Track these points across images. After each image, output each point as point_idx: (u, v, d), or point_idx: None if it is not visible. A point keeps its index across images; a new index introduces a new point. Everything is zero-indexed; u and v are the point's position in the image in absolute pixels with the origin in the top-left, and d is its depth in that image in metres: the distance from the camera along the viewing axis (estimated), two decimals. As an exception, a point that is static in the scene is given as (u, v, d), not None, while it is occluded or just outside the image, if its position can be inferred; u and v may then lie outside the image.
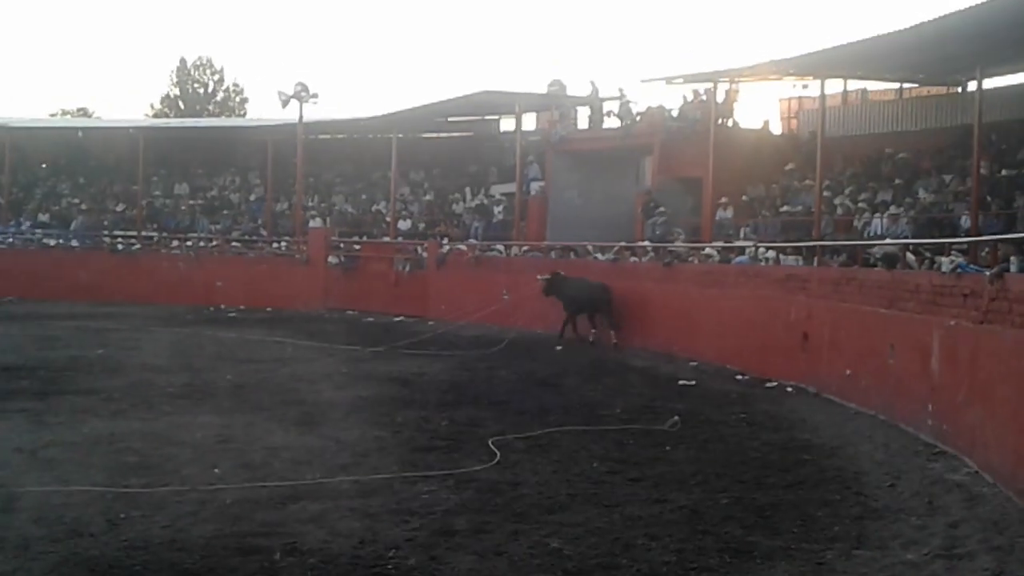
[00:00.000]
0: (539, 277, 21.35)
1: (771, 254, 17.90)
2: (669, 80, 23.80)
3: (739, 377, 15.76)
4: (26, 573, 6.28)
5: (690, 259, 19.83)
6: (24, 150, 34.75)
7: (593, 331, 20.43)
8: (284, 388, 13.98)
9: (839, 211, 19.78)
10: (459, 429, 11.21)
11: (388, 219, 30.50)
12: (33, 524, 7.28)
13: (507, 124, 32.19)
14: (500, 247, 26.03)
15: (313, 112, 30.12)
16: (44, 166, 36.58)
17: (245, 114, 54.05)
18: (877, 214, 18.61)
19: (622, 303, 20.01)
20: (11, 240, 31.64)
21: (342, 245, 28.87)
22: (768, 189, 22.44)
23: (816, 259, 16.51)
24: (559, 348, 19.37)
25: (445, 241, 27.36)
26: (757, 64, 21.14)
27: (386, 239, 29.61)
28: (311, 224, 30.66)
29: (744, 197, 22.51)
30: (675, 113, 24.94)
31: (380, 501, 8.09)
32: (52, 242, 31.34)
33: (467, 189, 31.14)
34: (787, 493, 8.67)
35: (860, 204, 19.42)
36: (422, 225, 30.51)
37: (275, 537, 7.09)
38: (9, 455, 9.43)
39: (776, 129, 26.70)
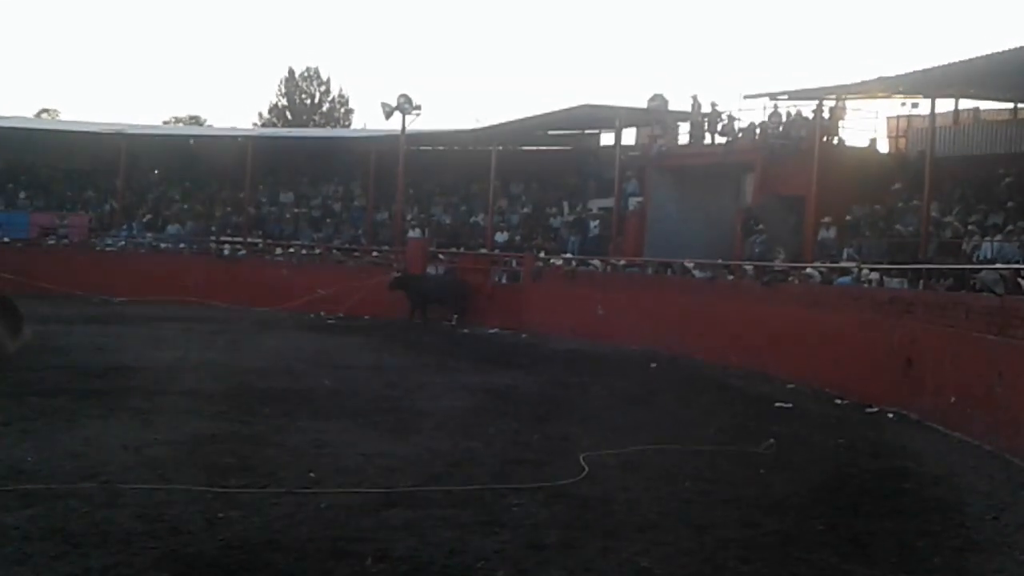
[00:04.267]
0: (392, 275, 27.19)
1: (875, 276, 17.50)
2: (773, 96, 23.53)
3: (838, 401, 15.40)
4: (127, 567, 6.43)
5: (790, 279, 19.50)
6: (138, 156, 35.94)
7: (455, 315, 26.26)
8: (379, 396, 14.14)
9: (947, 233, 19.23)
10: (551, 443, 11.18)
11: (486, 231, 30.75)
12: (135, 520, 7.47)
13: (607, 139, 32.17)
14: (596, 262, 25.96)
15: (415, 124, 30.62)
16: (156, 172, 37.82)
17: (350, 124, 55.03)
18: (987, 237, 18.05)
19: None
20: (123, 243, 32.74)
21: (440, 256, 29.16)
22: (873, 209, 21.94)
23: (922, 282, 16.07)
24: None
25: (541, 254, 27.43)
26: (865, 81, 20.77)
27: (483, 251, 29.82)
28: (410, 234, 31.07)
29: (848, 217, 22.06)
30: (779, 130, 24.62)
31: (471, 512, 8.12)
32: (162, 245, 32.34)
33: (564, 203, 31.19)
34: (885, 522, 8.43)
35: (970, 227, 18.86)
36: (519, 238, 30.65)
37: (367, 543, 7.16)
38: (116, 452, 9.72)
39: (883, 148, 26.15)
